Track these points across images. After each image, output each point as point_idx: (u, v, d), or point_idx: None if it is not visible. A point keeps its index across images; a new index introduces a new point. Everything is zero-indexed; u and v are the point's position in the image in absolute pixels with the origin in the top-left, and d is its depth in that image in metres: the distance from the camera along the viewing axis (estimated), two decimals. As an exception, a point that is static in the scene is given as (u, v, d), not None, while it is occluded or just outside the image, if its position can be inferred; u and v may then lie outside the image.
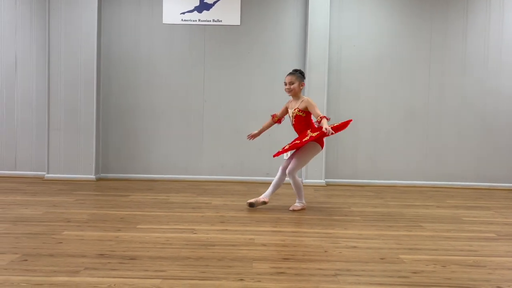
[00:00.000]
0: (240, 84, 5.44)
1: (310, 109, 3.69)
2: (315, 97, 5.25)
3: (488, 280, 2.20)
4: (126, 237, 2.84)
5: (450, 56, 5.39)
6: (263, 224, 3.27)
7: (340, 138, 5.40)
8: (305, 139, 3.62)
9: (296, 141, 3.72)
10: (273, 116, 4.05)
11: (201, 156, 5.46)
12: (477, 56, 5.38)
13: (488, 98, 5.40)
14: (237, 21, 5.35)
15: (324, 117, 3.54)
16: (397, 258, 2.51)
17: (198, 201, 4.12)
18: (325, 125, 3.44)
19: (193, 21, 5.34)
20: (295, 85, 3.77)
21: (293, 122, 3.85)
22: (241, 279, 2.15)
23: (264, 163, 5.45)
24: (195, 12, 5.32)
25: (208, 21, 5.34)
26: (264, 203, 3.83)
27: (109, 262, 2.36)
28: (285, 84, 3.82)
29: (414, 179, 5.44)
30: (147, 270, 2.26)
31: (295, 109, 3.78)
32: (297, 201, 3.88)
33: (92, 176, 5.24)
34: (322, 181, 5.29)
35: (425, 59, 5.40)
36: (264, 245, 2.73)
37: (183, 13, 5.33)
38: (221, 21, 5.34)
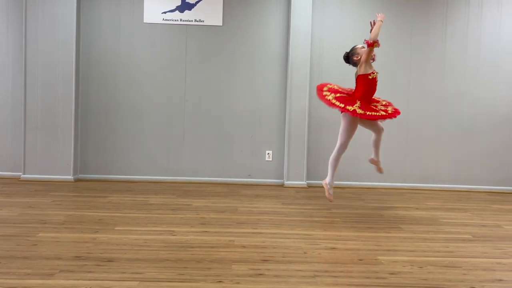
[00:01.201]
0: (222, 85, 5.42)
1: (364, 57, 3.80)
2: (297, 98, 5.28)
3: (463, 280, 2.24)
4: (103, 239, 2.80)
5: (430, 60, 5.47)
6: (243, 226, 3.26)
7: (321, 140, 5.43)
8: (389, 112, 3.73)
9: (382, 112, 3.72)
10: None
11: (182, 156, 5.42)
12: (456, 60, 5.47)
13: (466, 102, 5.49)
14: (219, 22, 5.33)
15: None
16: (375, 260, 2.53)
17: (178, 203, 4.09)
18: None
19: (175, 20, 5.30)
20: (359, 58, 3.89)
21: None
22: (220, 281, 2.14)
23: (245, 164, 5.44)
24: (177, 11, 5.28)
25: (190, 21, 5.30)
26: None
27: (85, 265, 2.32)
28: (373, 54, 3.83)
29: (394, 181, 5.49)
30: (124, 272, 2.23)
31: (375, 73, 3.84)
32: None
33: (70, 177, 5.15)
34: (303, 182, 5.31)
35: (405, 62, 5.46)
36: (243, 246, 2.72)
37: (165, 12, 5.28)
38: (203, 21, 5.31)
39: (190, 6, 5.26)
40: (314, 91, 5.38)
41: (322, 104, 5.40)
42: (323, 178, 5.44)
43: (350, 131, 3.84)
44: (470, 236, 3.17)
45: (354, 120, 3.79)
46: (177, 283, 2.12)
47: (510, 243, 3.01)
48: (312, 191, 5.02)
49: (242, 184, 5.34)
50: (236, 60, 5.40)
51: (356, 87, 3.86)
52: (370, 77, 3.80)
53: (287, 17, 5.38)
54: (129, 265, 2.34)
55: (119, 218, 3.39)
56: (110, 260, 2.40)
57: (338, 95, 3.79)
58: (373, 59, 3.81)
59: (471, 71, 5.47)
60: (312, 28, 5.33)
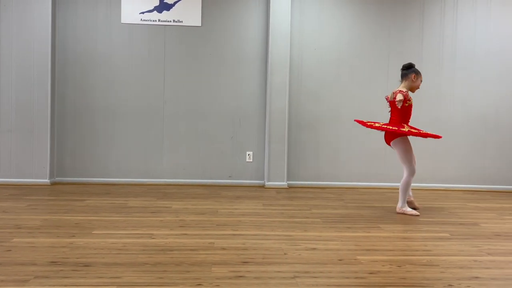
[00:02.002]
0: (201, 85, 5.38)
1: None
2: (277, 99, 5.28)
3: (441, 278, 2.27)
4: (80, 243, 2.75)
5: (407, 60, 5.52)
6: (224, 228, 3.24)
7: (301, 140, 5.45)
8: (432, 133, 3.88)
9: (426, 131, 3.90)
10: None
11: (162, 158, 5.37)
12: (432, 61, 5.56)
13: (443, 102, 5.59)
14: (198, 22, 5.30)
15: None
16: (355, 259, 2.54)
17: (158, 205, 4.04)
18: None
19: (153, 21, 5.25)
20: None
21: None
22: (199, 284, 2.12)
23: (226, 165, 5.42)
24: (155, 12, 5.23)
25: (168, 21, 5.26)
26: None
27: (61, 270, 2.27)
28: (421, 81, 3.99)
29: (373, 181, 5.55)
30: (101, 277, 2.18)
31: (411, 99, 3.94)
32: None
33: (46, 180, 5.04)
34: (284, 183, 5.32)
35: (384, 63, 5.53)
36: (224, 248, 2.70)
37: (143, 12, 5.22)
38: (182, 21, 5.27)
39: (168, 7, 5.22)
40: (294, 91, 5.42)
41: (302, 104, 5.46)
42: (304, 178, 5.51)
43: (409, 152, 3.88)
44: (448, 235, 3.22)
45: (407, 140, 3.89)
46: (156, 287, 2.08)
47: (486, 241, 3.07)
48: (293, 192, 5.03)
49: (222, 186, 5.32)
50: (216, 61, 5.38)
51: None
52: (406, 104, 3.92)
53: (266, 17, 5.38)
54: (106, 269, 2.29)
55: (97, 222, 3.33)
56: (87, 265, 2.35)
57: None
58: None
59: (447, 72, 5.57)
60: (291, 28, 5.35)
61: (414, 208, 4.04)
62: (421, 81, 4.00)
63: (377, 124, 3.89)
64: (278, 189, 5.16)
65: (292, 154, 5.44)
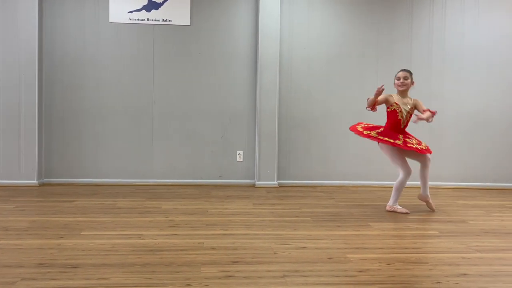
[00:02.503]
0: (191, 85, 5.36)
1: (418, 107, 3.95)
2: (267, 98, 5.28)
3: (429, 276, 2.28)
4: (68, 245, 2.72)
5: (397, 59, 5.57)
6: (214, 228, 3.23)
7: (292, 139, 5.45)
8: (423, 148, 3.88)
9: (418, 146, 3.86)
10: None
11: (151, 159, 5.34)
12: (421, 60, 5.59)
13: (433, 101, 5.61)
14: (187, 21, 5.27)
15: (428, 109, 3.83)
16: (344, 258, 2.55)
17: (147, 206, 4.02)
18: (429, 118, 3.73)
19: (142, 20, 5.21)
20: (409, 81, 3.95)
21: (405, 119, 3.97)
22: (188, 284, 2.11)
23: (216, 165, 5.40)
24: (144, 11, 5.19)
25: (157, 20, 5.22)
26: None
27: (48, 272, 2.25)
28: (399, 79, 3.96)
29: (364, 179, 5.57)
30: (89, 279, 2.17)
31: (411, 108, 3.96)
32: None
33: (34, 181, 4.99)
34: (274, 182, 5.32)
35: (373, 62, 5.55)
36: (213, 248, 2.70)
37: (131, 12, 5.18)
38: (171, 20, 5.24)
39: (157, 6, 5.19)
40: (284, 90, 5.42)
41: (292, 103, 5.46)
42: (294, 177, 5.52)
43: (397, 156, 3.94)
44: (437, 232, 3.24)
45: (392, 148, 3.93)
46: (144, 287, 2.07)
47: (475, 238, 3.09)
48: (284, 191, 5.03)
49: (213, 185, 5.31)
50: (205, 60, 5.36)
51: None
52: (388, 109, 4.01)
53: (255, 16, 5.38)
54: (95, 271, 2.27)
55: (86, 223, 3.30)
56: (75, 267, 2.33)
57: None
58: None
59: (436, 71, 5.61)
60: (280, 27, 5.35)
61: (432, 209, 4.07)
62: (398, 79, 3.98)
63: (373, 133, 3.91)
64: (268, 189, 5.16)
65: (283, 153, 5.44)
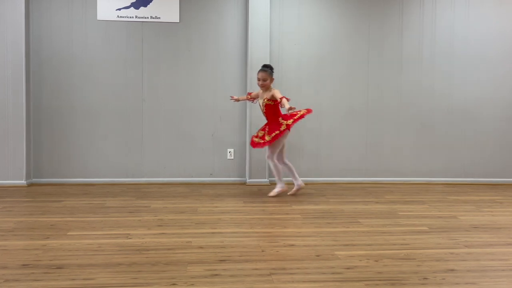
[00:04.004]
0: (180, 83, 5.32)
1: (275, 95, 4.23)
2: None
3: (417, 272, 2.27)
4: (54, 245, 2.69)
5: (388, 56, 5.57)
6: (202, 226, 3.21)
7: (282, 137, 5.42)
8: (282, 128, 4.20)
9: (276, 132, 4.20)
10: (249, 93, 4.79)
11: (141, 157, 5.30)
12: (412, 56, 5.59)
13: (424, 97, 5.62)
14: (176, 18, 5.23)
15: (284, 97, 4.08)
16: (332, 255, 2.54)
17: (137, 205, 3.98)
18: (287, 104, 3.94)
19: (130, 17, 5.16)
20: (268, 81, 4.35)
21: (264, 110, 4.42)
22: (174, 284, 2.09)
23: (207, 163, 5.37)
24: (132, 8, 5.14)
25: (145, 17, 5.18)
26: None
27: (32, 273, 2.22)
28: (258, 80, 4.37)
29: (355, 176, 5.57)
30: (74, 279, 2.14)
31: (264, 99, 4.35)
32: (278, 185, 4.45)
33: (22, 182, 4.93)
34: (266, 180, 5.30)
35: (364, 58, 5.54)
36: (201, 247, 2.67)
37: (119, 9, 5.13)
38: (160, 18, 5.19)
39: (145, 3, 5.14)
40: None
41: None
42: (286, 175, 5.46)
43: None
44: (427, 228, 3.24)
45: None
46: (130, 287, 2.05)
47: (464, 233, 3.10)
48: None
49: (204, 184, 5.28)
50: (195, 58, 5.32)
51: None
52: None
53: (245, 13, 5.35)
54: (80, 271, 2.25)
55: (73, 223, 3.27)
56: (59, 267, 2.30)
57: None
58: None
59: (427, 65, 5.60)
60: (270, 23, 5.32)
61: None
62: (258, 80, 4.38)
63: (267, 137, 4.27)
64: (259, 186, 5.14)
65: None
